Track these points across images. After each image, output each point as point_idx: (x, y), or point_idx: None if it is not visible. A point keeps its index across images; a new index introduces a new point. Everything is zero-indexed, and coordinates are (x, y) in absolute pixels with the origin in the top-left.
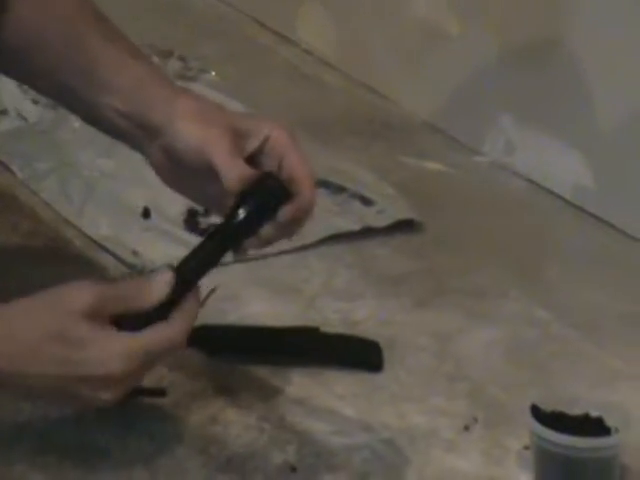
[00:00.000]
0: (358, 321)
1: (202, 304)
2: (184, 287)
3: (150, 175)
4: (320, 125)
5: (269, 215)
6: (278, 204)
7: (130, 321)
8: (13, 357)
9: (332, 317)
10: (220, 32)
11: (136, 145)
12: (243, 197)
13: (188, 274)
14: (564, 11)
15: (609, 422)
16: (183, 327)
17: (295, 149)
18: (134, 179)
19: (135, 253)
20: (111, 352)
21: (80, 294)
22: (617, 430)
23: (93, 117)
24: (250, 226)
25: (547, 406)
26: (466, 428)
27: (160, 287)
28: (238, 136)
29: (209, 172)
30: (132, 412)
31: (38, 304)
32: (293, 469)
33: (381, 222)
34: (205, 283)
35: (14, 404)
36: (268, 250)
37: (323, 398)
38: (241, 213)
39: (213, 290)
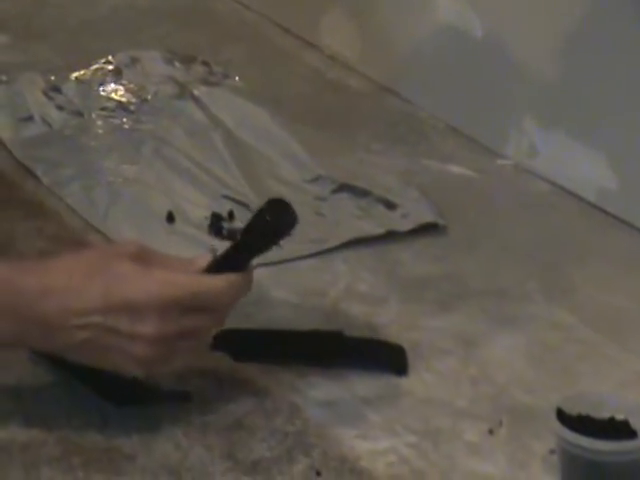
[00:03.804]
0: (382, 325)
1: None
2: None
3: (174, 180)
4: (344, 130)
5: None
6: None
7: None
8: (61, 294)
9: (356, 321)
10: (244, 37)
11: None
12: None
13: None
14: (589, 12)
15: (635, 425)
16: (231, 288)
17: None
18: (158, 184)
19: None
20: (152, 277)
21: (127, 244)
22: None
23: None
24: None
25: (572, 409)
26: (491, 432)
27: (199, 261)
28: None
29: None
30: (157, 416)
31: (89, 252)
32: (318, 473)
33: (405, 226)
34: None
35: (40, 409)
36: (292, 254)
37: (348, 402)
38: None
39: None
